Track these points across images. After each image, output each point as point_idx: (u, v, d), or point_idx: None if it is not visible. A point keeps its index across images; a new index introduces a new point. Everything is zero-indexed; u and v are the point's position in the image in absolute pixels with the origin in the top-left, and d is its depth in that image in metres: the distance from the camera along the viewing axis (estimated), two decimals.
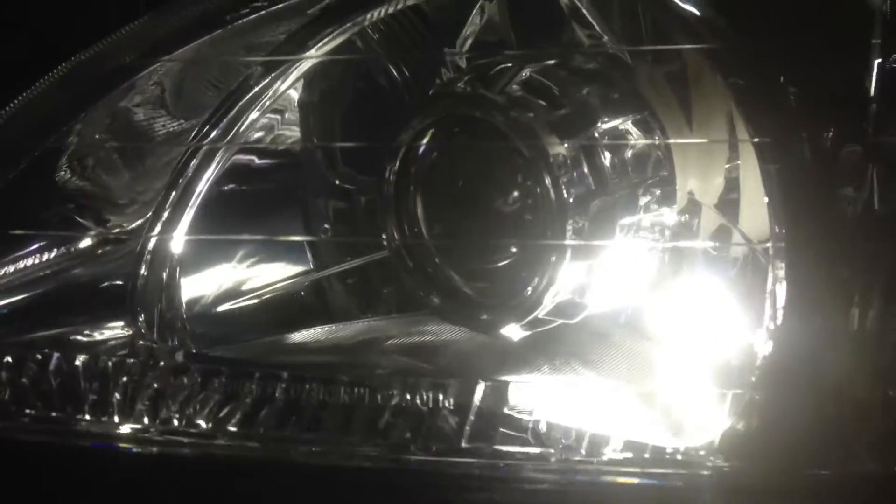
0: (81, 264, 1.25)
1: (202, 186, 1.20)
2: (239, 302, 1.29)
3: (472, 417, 1.00)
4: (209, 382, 1.14)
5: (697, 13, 1.00)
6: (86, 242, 1.25)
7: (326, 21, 1.14)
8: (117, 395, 1.16)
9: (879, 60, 0.96)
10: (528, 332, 1.12)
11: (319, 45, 1.15)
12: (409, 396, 1.03)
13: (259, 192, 1.29)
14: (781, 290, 0.95)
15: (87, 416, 1.17)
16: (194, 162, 1.20)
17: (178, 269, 1.21)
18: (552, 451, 0.98)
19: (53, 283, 1.24)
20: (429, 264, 1.14)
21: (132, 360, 1.17)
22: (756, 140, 0.98)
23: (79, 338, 1.23)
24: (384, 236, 1.16)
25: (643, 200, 1.10)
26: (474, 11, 1.17)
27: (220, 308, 1.28)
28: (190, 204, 1.20)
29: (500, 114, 1.07)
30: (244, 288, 1.29)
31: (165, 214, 1.20)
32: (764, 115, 0.98)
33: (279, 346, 1.25)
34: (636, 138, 1.11)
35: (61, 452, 1.17)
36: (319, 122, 1.28)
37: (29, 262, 1.24)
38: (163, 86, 1.21)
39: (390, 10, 1.15)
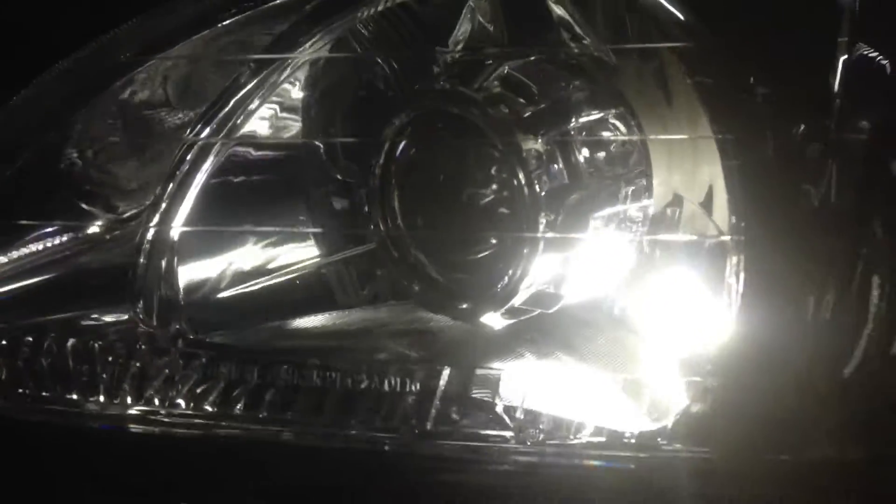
0: (91, 249, 1.28)
1: (200, 178, 1.23)
2: (239, 289, 1.32)
3: (437, 402, 1.04)
4: (213, 367, 1.19)
5: (670, 12, 1.03)
6: (94, 228, 1.29)
7: (316, 19, 1.17)
8: (127, 379, 1.20)
9: (845, 57, 0.98)
10: (510, 321, 1.16)
11: (311, 42, 1.18)
12: (377, 380, 1.07)
13: (261, 182, 1.32)
14: (739, 281, 0.98)
15: (101, 399, 1.21)
16: (191, 155, 1.23)
17: (175, 259, 1.25)
18: (509, 434, 1.01)
19: (63, 267, 1.28)
20: (409, 255, 1.18)
21: (137, 346, 1.22)
22: (719, 136, 1.00)
23: (88, 322, 1.27)
24: (371, 228, 1.20)
25: (619, 195, 1.13)
26: (464, 11, 1.19)
27: (220, 295, 1.31)
28: (187, 195, 1.23)
29: (476, 109, 1.10)
30: (244, 275, 1.32)
31: (164, 205, 1.23)
32: (727, 114, 1.00)
33: (279, 333, 1.29)
34: (613, 133, 1.13)
35: (71, 433, 1.22)
36: (321, 117, 1.31)
37: (39, 246, 1.28)
38: (169, 78, 1.24)
39: (380, 9, 1.18)
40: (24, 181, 1.25)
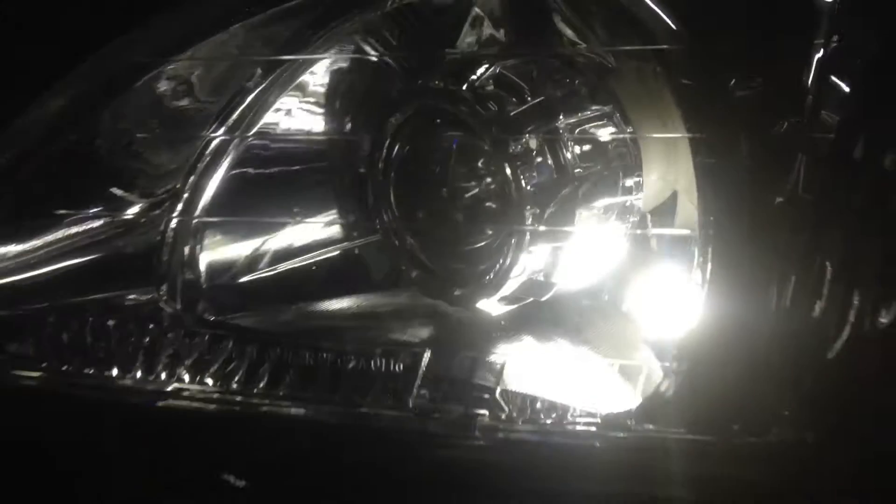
0: (127, 233, 1.35)
1: (222, 171, 1.30)
2: (260, 273, 1.38)
3: (418, 382, 1.11)
4: (239, 347, 1.25)
5: (652, 14, 1.07)
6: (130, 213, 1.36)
7: (327, 19, 1.23)
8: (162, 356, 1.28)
9: (819, 56, 1.01)
10: (506, 308, 1.22)
11: (321, 41, 1.25)
12: (364, 360, 1.14)
13: (287, 172, 1.38)
14: (705, 271, 1.03)
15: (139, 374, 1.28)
16: (212, 147, 1.30)
17: (198, 245, 1.32)
18: (482, 412, 1.08)
19: (100, 250, 1.35)
20: (406, 244, 1.25)
21: (163, 327, 1.29)
22: (694, 136, 1.05)
23: (125, 303, 1.34)
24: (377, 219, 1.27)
25: (608, 189, 1.18)
26: (471, 14, 1.24)
27: (242, 279, 1.38)
28: (208, 186, 1.30)
29: (466, 107, 1.16)
30: (266, 259, 1.38)
31: (186, 195, 1.30)
32: (702, 113, 1.05)
33: (299, 315, 1.36)
34: (604, 131, 1.18)
35: (111, 406, 1.28)
36: (340, 112, 1.37)
37: (79, 229, 1.35)
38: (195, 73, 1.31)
39: (387, 10, 1.24)
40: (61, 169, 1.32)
